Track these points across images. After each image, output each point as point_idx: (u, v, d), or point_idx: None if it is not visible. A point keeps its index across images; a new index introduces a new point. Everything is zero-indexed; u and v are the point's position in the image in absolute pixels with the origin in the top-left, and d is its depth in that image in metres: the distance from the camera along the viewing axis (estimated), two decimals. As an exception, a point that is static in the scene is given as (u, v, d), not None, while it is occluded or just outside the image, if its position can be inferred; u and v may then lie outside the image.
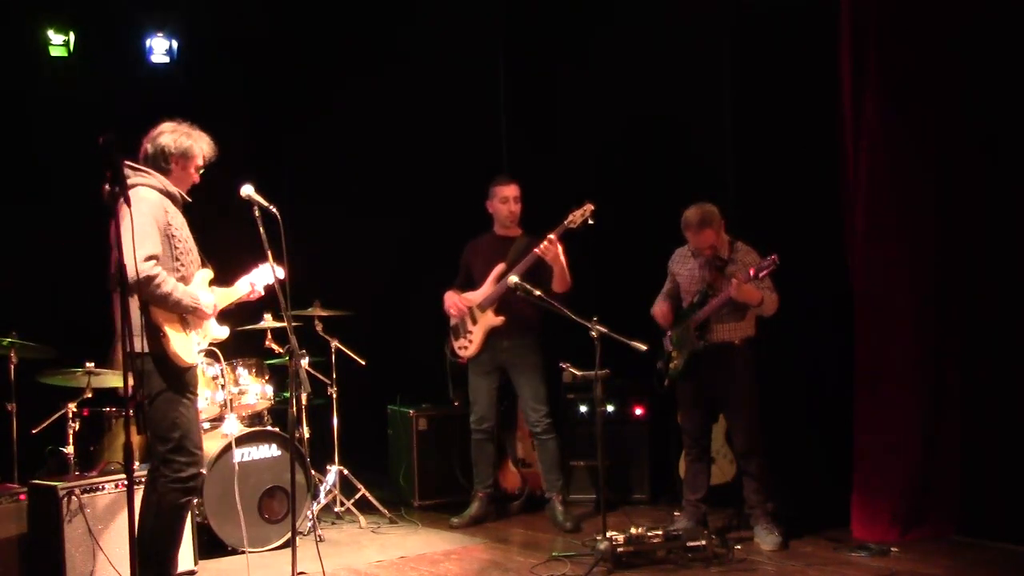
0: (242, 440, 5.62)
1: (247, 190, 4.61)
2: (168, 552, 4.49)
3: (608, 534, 5.11)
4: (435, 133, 7.65)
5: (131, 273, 3.92)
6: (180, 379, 4.43)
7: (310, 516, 5.79)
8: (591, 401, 6.52)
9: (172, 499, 4.41)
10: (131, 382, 3.75)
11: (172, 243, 4.43)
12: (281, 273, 4.70)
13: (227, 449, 5.49)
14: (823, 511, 5.79)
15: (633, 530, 5.19)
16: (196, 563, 5.27)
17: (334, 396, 6.49)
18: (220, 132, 4.75)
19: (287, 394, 5.48)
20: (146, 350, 4.33)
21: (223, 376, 5.74)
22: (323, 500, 6.33)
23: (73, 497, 4.92)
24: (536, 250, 5.82)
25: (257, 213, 4.56)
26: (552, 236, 5.77)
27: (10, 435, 5.58)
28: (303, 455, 5.67)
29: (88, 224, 4.84)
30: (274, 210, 4.54)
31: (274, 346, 6.07)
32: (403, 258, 7.81)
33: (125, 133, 3.91)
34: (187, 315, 4.47)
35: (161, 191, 4.47)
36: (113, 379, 5.36)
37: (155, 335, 4.34)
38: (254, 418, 6.11)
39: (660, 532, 5.21)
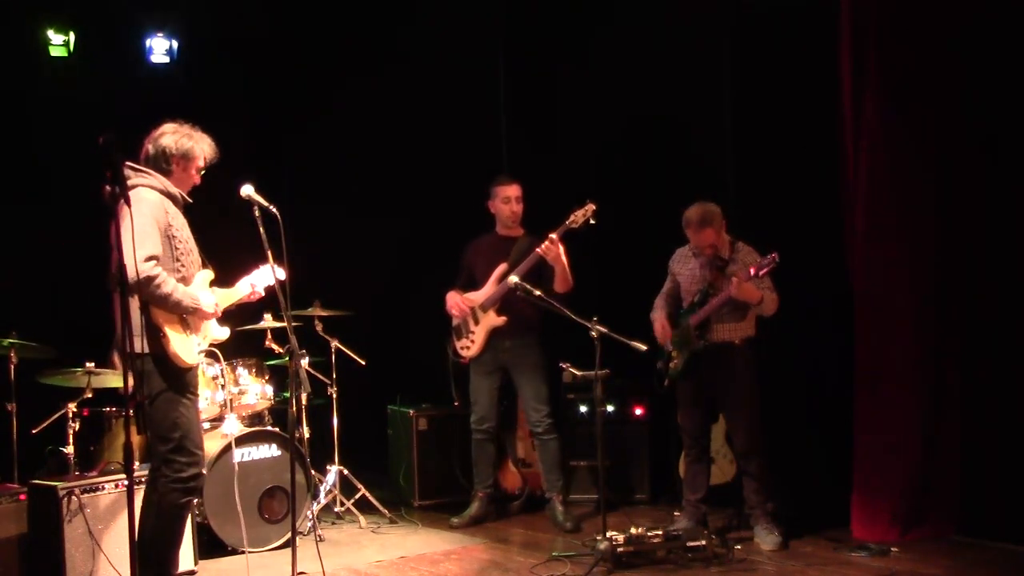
0: (242, 440, 5.62)
1: (247, 190, 4.61)
2: (168, 552, 4.49)
3: (608, 534, 5.11)
4: (435, 133, 7.65)
5: (131, 273, 3.92)
6: (180, 379, 4.43)
7: (310, 516, 5.79)
8: (591, 401, 6.52)
9: (173, 499, 4.41)
10: (131, 382, 3.75)
11: (173, 244, 4.44)
12: (282, 274, 4.70)
13: (227, 449, 5.49)
14: (823, 511, 5.79)
15: (633, 530, 5.19)
16: (196, 563, 5.27)
17: (334, 396, 6.49)
18: (220, 132, 4.75)
19: (287, 394, 5.48)
20: (146, 350, 4.33)
21: (223, 376, 5.75)
22: (323, 500, 6.33)
23: (73, 497, 4.92)
24: (538, 250, 5.82)
25: (257, 213, 4.56)
26: (554, 236, 5.77)
27: (10, 435, 5.58)
28: (303, 455, 5.67)
29: (88, 224, 4.84)
30: (274, 210, 4.54)
31: (274, 346, 6.07)
32: (403, 258, 7.81)
33: (125, 133, 3.91)
34: (187, 316, 4.47)
35: (162, 192, 4.47)
36: (113, 379, 5.36)
37: (155, 335, 4.34)
38: (254, 418, 6.11)
39: (660, 532, 5.21)
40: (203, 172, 4.66)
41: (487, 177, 6.35)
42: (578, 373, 5.94)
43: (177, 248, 4.45)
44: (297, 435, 5.88)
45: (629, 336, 5.21)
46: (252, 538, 5.44)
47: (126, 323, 3.66)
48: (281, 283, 4.67)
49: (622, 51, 6.90)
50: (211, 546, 5.49)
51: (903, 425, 5.44)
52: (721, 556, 5.16)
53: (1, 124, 6.86)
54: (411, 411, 6.85)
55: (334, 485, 6.38)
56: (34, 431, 5.54)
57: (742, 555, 5.26)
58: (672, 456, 6.33)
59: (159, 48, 7.48)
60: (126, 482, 3.78)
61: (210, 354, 4.82)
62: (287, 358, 5.69)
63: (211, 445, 5.41)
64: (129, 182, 4.12)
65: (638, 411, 6.71)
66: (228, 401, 5.77)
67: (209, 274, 4.66)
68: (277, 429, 5.87)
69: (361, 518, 6.26)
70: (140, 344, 4.31)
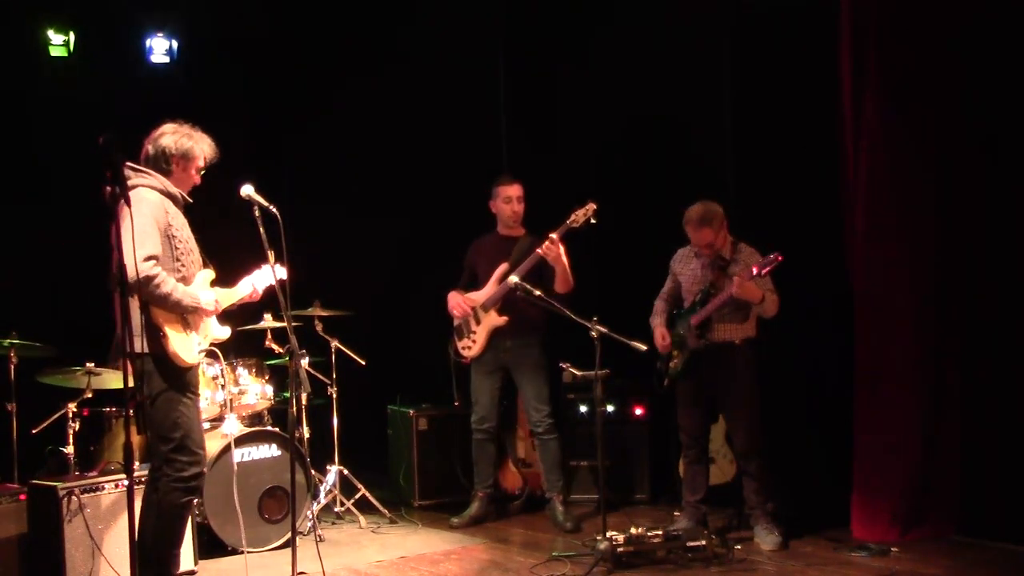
0: (242, 440, 5.62)
1: (247, 190, 4.62)
2: (169, 552, 4.49)
3: (608, 534, 5.11)
4: (435, 133, 7.65)
5: (131, 273, 3.92)
6: (181, 379, 4.44)
7: (310, 516, 5.79)
8: (591, 401, 6.52)
9: (174, 499, 4.42)
10: (131, 382, 3.75)
11: (173, 243, 4.44)
12: (284, 273, 4.71)
13: (227, 449, 5.49)
14: (823, 511, 5.79)
15: (633, 530, 5.19)
16: (196, 563, 5.27)
17: (334, 396, 6.49)
18: (220, 132, 4.75)
19: (287, 394, 5.48)
20: (146, 350, 4.33)
21: (223, 376, 5.75)
22: (323, 500, 6.33)
23: (73, 497, 4.92)
24: (538, 250, 5.82)
25: (257, 213, 4.57)
26: (554, 236, 5.77)
27: (10, 435, 5.58)
28: (303, 455, 5.68)
29: (88, 224, 4.85)
30: (274, 210, 4.55)
31: (274, 346, 6.07)
32: (403, 258, 7.81)
33: (125, 133, 3.91)
34: (188, 315, 4.47)
35: (162, 192, 4.47)
36: (113, 379, 5.37)
37: (155, 335, 4.34)
38: (254, 418, 6.11)
39: (660, 532, 5.21)
40: (203, 172, 4.66)
41: (487, 177, 6.35)
42: (578, 373, 5.94)
43: (177, 248, 4.45)
44: (297, 435, 5.88)
45: (629, 336, 5.21)
46: (252, 538, 5.44)
47: (126, 323, 3.66)
48: (281, 283, 4.68)
49: (622, 51, 6.90)
50: (211, 546, 5.49)
51: (903, 425, 5.44)
52: (721, 556, 5.16)
53: (1, 124, 6.86)
54: (411, 411, 6.85)
55: (334, 485, 6.38)
56: (34, 431, 5.54)
57: (742, 555, 5.26)
58: (672, 456, 6.32)
59: (159, 48, 7.48)
60: (126, 482, 3.78)
61: (210, 354, 4.82)
62: (287, 358, 5.70)
63: (211, 445, 5.40)
64: (129, 182, 4.13)
65: (638, 411, 6.71)
66: (228, 401, 5.77)
67: (210, 273, 4.66)
68: (277, 429, 5.87)
69: (361, 518, 6.26)
70: (140, 344, 4.32)
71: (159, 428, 4.38)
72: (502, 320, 6.08)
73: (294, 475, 4.88)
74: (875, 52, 5.39)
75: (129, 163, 4.31)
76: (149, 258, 4.27)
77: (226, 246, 4.81)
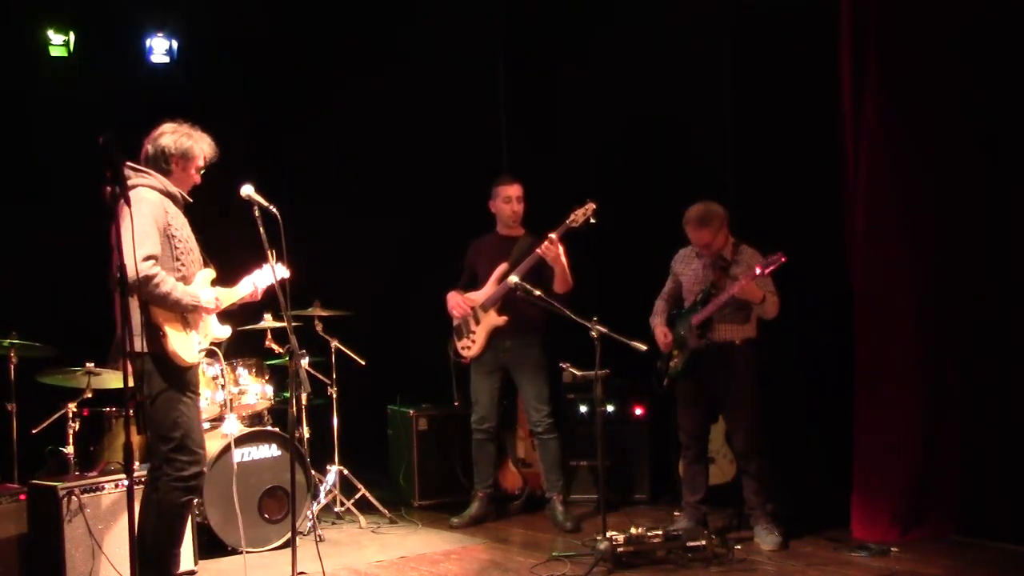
0: (242, 440, 5.62)
1: (247, 190, 4.62)
2: (169, 552, 4.49)
3: (608, 534, 5.11)
4: (435, 133, 7.65)
5: (130, 273, 3.92)
6: (181, 378, 4.44)
7: (310, 516, 5.79)
8: (591, 401, 6.52)
9: (174, 498, 4.42)
10: (131, 382, 3.75)
11: (172, 243, 4.44)
12: (286, 272, 4.71)
13: (227, 449, 5.49)
14: (823, 511, 5.79)
15: (633, 530, 5.19)
16: (196, 563, 5.27)
17: (334, 396, 6.49)
18: (220, 132, 4.75)
19: (287, 394, 5.48)
20: (146, 350, 4.33)
21: (223, 376, 5.75)
22: (323, 500, 6.33)
23: (73, 497, 4.92)
24: (537, 250, 5.82)
25: (257, 213, 4.57)
26: (553, 236, 5.77)
27: (10, 435, 5.58)
28: (303, 455, 5.68)
29: (88, 224, 4.85)
30: (274, 210, 4.55)
31: (274, 346, 6.07)
32: (403, 258, 7.81)
33: (125, 133, 3.91)
34: (188, 314, 4.47)
35: (161, 191, 4.48)
36: (113, 379, 5.36)
37: (155, 334, 4.34)
38: (254, 418, 6.11)
39: (660, 532, 5.21)
40: (203, 171, 4.66)
41: (487, 177, 6.35)
42: (578, 373, 5.94)
43: (177, 247, 4.45)
44: (297, 435, 5.88)
45: (629, 336, 5.21)
46: (252, 538, 5.44)
47: (126, 322, 3.66)
48: (281, 283, 4.68)
49: (622, 51, 6.90)
50: (211, 546, 5.49)
51: (903, 425, 5.44)
52: (721, 556, 5.16)
53: (1, 124, 6.86)
54: (411, 411, 6.85)
55: (334, 485, 6.38)
56: (34, 431, 5.54)
57: (742, 555, 5.26)
58: (672, 456, 6.32)
59: (159, 48, 7.48)
60: (126, 482, 3.78)
61: (210, 353, 4.82)
62: (287, 358, 5.70)
63: (211, 445, 5.40)
64: (129, 182, 4.13)
65: (638, 411, 6.71)
66: (228, 401, 5.77)
67: (211, 273, 4.66)
68: (277, 429, 5.87)
69: (361, 518, 6.26)
70: (140, 343, 4.32)
71: (159, 427, 4.38)
72: (501, 320, 6.08)
73: (294, 475, 4.87)
74: (875, 52, 5.39)
75: (129, 163, 4.31)
76: (148, 258, 4.27)
77: (226, 246, 4.81)
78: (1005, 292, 5.28)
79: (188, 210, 4.61)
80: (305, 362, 5.83)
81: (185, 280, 4.47)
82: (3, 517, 4.95)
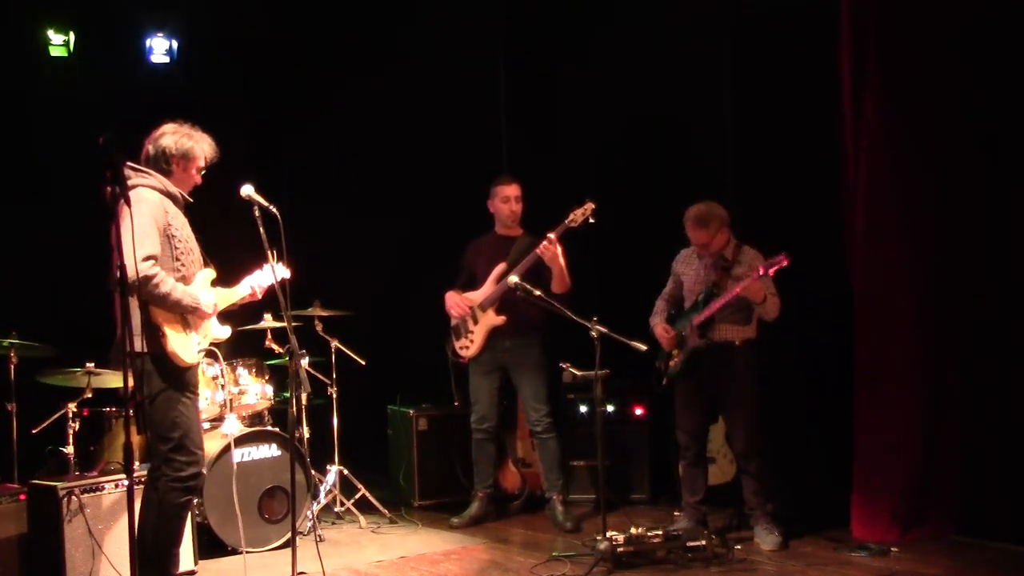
0: (242, 440, 5.62)
1: (247, 190, 4.62)
2: (169, 552, 4.49)
3: (608, 534, 5.11)
4: (435, 133, 7.65)
5: (130, 273, 3.92)
6: (180, 378, 4.44)
7: (310, 516, 5.79)
8: (591, 401, 6.52)
9: (172, 499, 4.42)
10: (131, 382, 3.75)
11: (172, 243, 4.44)
12: (287, 272, 4.71)
13: (227, 449, 5.49)
14: (823, 511, 5.79)
15: (633, 530, 5.19)
16: (196, 563, 5.27)
17: (334, 396, 6.49)
18: (220, 132, 4.75)
19: (287, 394, 5.48)
20: (145, 350, 4.33)
21: (223, 376, 5.75)
22: (323, 500, 6.33)
23: (73, 497, 4.92)
24: (536, 250, 5.82)
25: (257, 213, 4.57)
26: (552, 236, 5.77)
27: (10, 435, 5.58)
28: (303, 455, 5.68)
29: (88, 224, 4.84)
30: (274, 210, 4.55)
31: (274, 346, 6.07)
32: (403, 258, 7.81)
33: (125, 133, 3.91)
34: (188, 315, 4.47)
35: (161, 191, 4.48)
36: (113, 379, 5.36)
37: (154, 335, 4.34)
38: (254, 418, 6.11)
39: (660, 532, 5.21)
40: (203, 172, 4.66)
41: (487, 177, 6.34)
42: (578, 373, 5.95)
43: (177, 248, 4.45)
44: (297, 435, 5.88)
45: (629, 336, 5.21)
46: (252, 538, 5.44)
47: (126, 323, 3.66)
48: (281, 283, 4.68)
49: (622, 51, 6.90)
50: (211, 546, 5.49)
51: (903, 425, 5.44)
52: (721, 556, 5.16)
53: (1, 124, 6.86)
54: (411, 411, 6.85)
55: (334, 485, 6.38)
56: (34, 431, 5.55)
57: (742, 555, 5.26)
58: (672, 456, 6.30)
59: (159, 48, 7.48)
60: (126, 482, 3.78)
61: (209, 354, 4.82)
62: (287, 358, 5.70)
63: (211, 445, 5.41)
64: (129, 182, 4.13)
65: (638, 411, 6.71)
66: (228, 401, 5.77)
67: (211, 273, 4.66)
68: (277, 429, 5.87)
69: (361, 518, 6.26)
70: (140, 343, 4.32)
71: (158, 428, 4.38)
72: (500, 320, 6.08)
73: (294, 475, 4.87)
74: (875, 52, 5.39)
75: (129, 163, 4.31)
76: (148, 258, 4.27)
77: (226, 246, 4.81)
78: (1005, 292, 5.28)
79: (188, 210, 4.61)
80: (305, 362, 5.83)
81: (185, 280, 4.47)
82: (3, 517, 4.95)
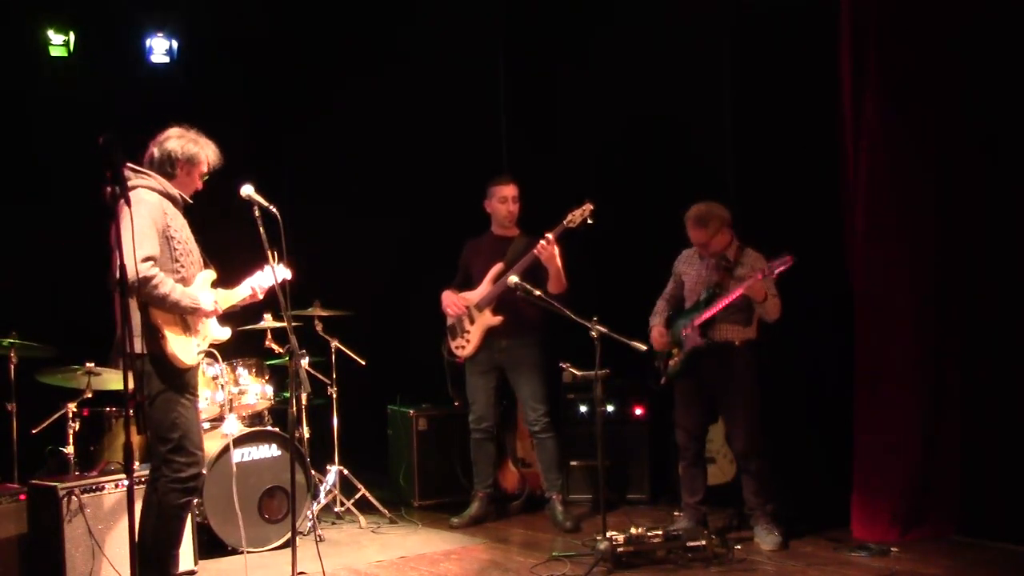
0: (242, 440, 5.63)
1: (247, 190, 4.62)
2: (169, 552, 4.50)
3: (608, 534, 5.11)
4: (435, 133, 7.65)
5: (130, 274, 3.92)
6: (179, 379, 4.44)
7: (310, 516, 5.79)
8: (591, 401, 6.51)
9: (172, 499, 4.42)
10: (131, 382, 3.75)
11: (171, 245, 4.44)
12: (288, 273, 4.71)
13: (227, 449, 5.49)
14: (823, 511, 5.79)
15: (633, 530, 5.19)
16: (196, 563, 5.27)
17: (334, 396, 6.49)
18: (220, 132, 4.76)
19: (287, 394, 5.48)
20: (145, 351, 4.33)
21: (223, 376, 5.75)
22: (323, 500, 6.33)
23: (73, 497, 4.92)
24: (533, 250, 5.81)
25: (257, 213, 4.57)
26: (549, 236, 5.77)
27: (10, 435, 5.58)
28: (303, 455, 5.68)
29: (88, 224, 4.85)
30: (274, 210, 4.55)
31: (274, 346, 6.07)
32: (403, 258, 7.81)
33: (125, 133, 3.90)
34: (187, 316, 4.47)
35: (161, 193, 4.48)
36: (113, 379, 5.37)
37: (154, 336, 4.34)
38: (254, 418, 6.11)
39: (660, 532, 5.21)
40: (206, 177, 4.67)
41: (487, 177, 6.34)
42: (578, 373, 5.93)
43: (176, 249, 4.46)
44: (297, 435, 5.88)
45: (629, 336, 5.21)
46: (252, 538, 5.44)
47: (126, 323, 3.66)
48: (282, 283, 4.68)
49: (622, 51, 6.90)
50: (211, 546, 5.49)
51: (903, 425, 5.44)
52: (721, 556, 5.16)
53: (1, 124, 6.86)
54: (411, 411, 6.85)
55: (334, 485, 6.38)
56: (34, 431, 5.54)
57: (742, 555, 5.26)
58: (672, 456, 6.30)
59: (159, 48, 7.48)
60: (126, 482, 3.78)
61: (209, 354, 4.82)
62: (287, 358, 5.69)
63: (211, 445, 5.41)
64: (129, 183, 4.13)
65: (638, 411, 6.71)
66: (228, 401, 5.77)
67: (211, 274, 4.67)
68: (277, 429, 5.87)
69: (361, 518, 6.26)
70: (140, 345, 4.32)
71: (157, 429, 4.39)
72: (496, 320, 6.08)
73: (294, 475, 4.88)
74: (875, 52, 5.39)
75: (129, 164, 4.31)
76: (147, 259, 4.27)
77: (226, 246, 4.81)
78: (1005, 292, 5.28)
79: (188, 211, 4.62)
80: (305, 362, 5.83)
81: (184, 281, 4.47)
82: (3, 517, 4.95)
